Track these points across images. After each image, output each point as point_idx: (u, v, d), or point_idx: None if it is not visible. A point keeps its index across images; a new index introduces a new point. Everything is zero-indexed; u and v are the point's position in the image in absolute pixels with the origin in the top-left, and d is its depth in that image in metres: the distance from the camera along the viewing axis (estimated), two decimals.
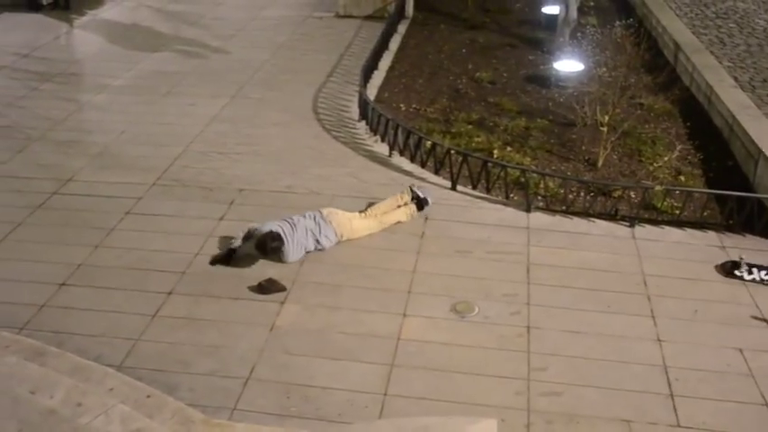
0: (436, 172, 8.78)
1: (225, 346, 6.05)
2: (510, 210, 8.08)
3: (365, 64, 11.31)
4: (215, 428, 5.21)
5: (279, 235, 6.96)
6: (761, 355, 6.08)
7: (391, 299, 6.61)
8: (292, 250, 7.03)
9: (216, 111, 10.48)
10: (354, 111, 10.48)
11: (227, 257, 7.10)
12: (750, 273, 6.97)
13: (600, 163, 9.12)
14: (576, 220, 7.93)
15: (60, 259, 7.12)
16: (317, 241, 7.20)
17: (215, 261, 7.10)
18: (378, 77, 11.75)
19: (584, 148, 9.57)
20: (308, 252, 7.17)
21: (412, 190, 7.83)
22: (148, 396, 5.44)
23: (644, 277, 6.99)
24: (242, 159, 9.06)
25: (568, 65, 11.58)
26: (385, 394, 5.57)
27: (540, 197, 8.24)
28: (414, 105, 10.88)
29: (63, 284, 6.78)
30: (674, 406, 5.53)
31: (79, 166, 8.89)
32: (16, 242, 7.43)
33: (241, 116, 10.36)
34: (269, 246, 6.94)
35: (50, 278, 6.85)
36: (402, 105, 10.84)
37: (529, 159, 9.21)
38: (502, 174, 8.31)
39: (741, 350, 6.10)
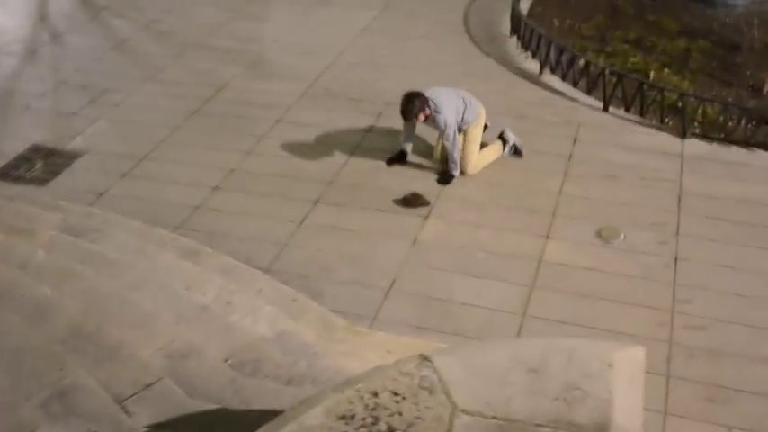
0: (588, 92, 8.50)
1: (368, 257, 6.19)
2: (664, 135, 7.76)
3: None
4: (356, 335, 5.39)
5: (416, 94, 6.93)
6: None
7: (535, 220, 6.55)
8: (445, 107, 6.94)
9: (366, 22, 10.48)
10: (506, 25, 10.23)
11: (401, 157, 7.32)
12: None
13: (766, 90, 8.57)
14: (736, 149, 7.54)
15: (214, 163, 7.42)
16: (465, 108, 7.09)
17: (391, 161, 7.33)
18: None
19: (749, 73, 8.99)
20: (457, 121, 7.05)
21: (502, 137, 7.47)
22: (294, 300, 5.66)
23: None
24: (391, 72, 9.07)
25: None
26: (524, 315, 5.59)
27: (697, 123, 7.86)
28: (568, 21, 10.48)
29: (216, 188, 7.08)
30: None
31: (233, 74, 9.14)
32: (174, 145, 7.78)
33: (391, 28, 10.32)
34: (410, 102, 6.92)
35: (205, 181, 7.17)
36: (555, 21, 10.46)
37: (687, 83, 8.76)
38: (658, 97, 7.97)
39: None
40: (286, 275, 5.98)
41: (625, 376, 3.71)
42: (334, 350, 5.17)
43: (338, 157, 7.45)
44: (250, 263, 6.07)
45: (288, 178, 7.18)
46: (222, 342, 5.01)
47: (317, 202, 6.85)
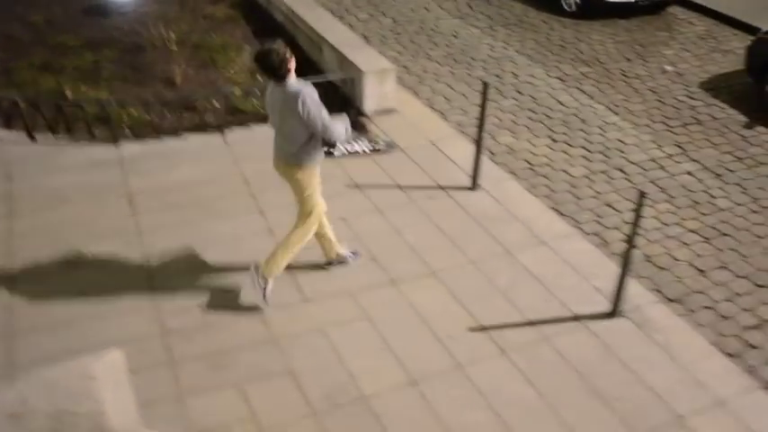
0: (8, 127, 8.12)
1: None
2: (98, 147, 7.78)
3: None
4: None
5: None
6: (359, 217, 6.69)
7: None
8: None
9: None
10: None
11: None
12: (337, 148, 7.49)
13: (178, 80, 9.08)
14: (168, 140, 7.89)
15: None
16: None
17: None
18: None
19: (159, 68, 9.42)
20: None
21: None
22: None
23: (244, 177, 7.21)
24: None
25: None
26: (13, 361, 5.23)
27: (126, 127, 8.03)
28: None
29: None
30: (298, 284, 5.90)
31: None
32: None
33: None
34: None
35: None
36: None
37: (106, 93, 8.87)
38: (80, 113, 7.94)
39: (344, 219, 6.64)
40: None
41: (110, 383, 3.73)
42: None
43: None
44: None
45: None
46: None
47: None
